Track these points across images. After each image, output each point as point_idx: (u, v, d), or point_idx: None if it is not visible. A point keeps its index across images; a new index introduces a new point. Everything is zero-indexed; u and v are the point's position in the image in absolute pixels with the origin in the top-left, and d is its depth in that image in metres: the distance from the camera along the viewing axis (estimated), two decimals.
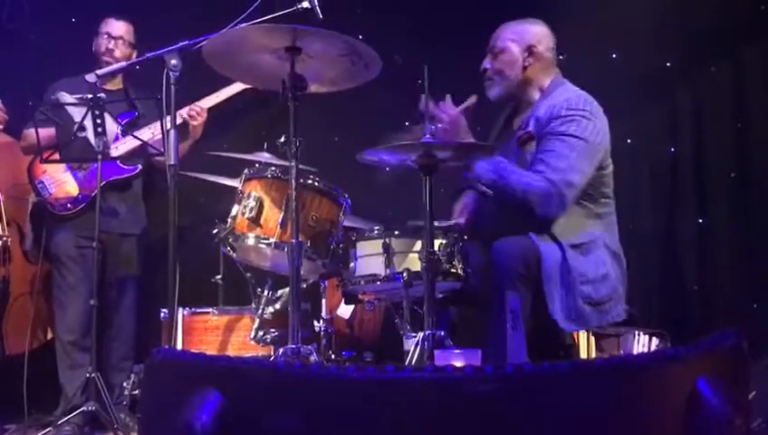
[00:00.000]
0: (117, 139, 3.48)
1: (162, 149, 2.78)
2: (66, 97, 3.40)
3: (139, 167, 3.62)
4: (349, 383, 1.19)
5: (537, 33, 2.90)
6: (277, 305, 3.25)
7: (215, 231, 2.95)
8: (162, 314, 3.37)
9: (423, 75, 2.59)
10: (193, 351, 3.28)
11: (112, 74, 3.60)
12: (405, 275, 2.69)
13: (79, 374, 3.34)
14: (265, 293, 3.25)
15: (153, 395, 1.39)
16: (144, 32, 3.72)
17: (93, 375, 3.00)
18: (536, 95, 2.86)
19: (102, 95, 3.23)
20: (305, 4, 2.80)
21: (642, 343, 3.03)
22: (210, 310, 3.47)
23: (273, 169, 3.00)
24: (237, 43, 2.50)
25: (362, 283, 2.81)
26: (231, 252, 3.03)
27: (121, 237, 3.63)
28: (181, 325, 3.35)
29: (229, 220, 2.93)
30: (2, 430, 3.31)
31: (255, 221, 2.88)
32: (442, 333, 2.45)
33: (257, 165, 3.19)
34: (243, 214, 2.90)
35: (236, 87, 3.67)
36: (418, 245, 2.67)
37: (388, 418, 1.18)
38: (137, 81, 3.77)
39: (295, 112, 2.48)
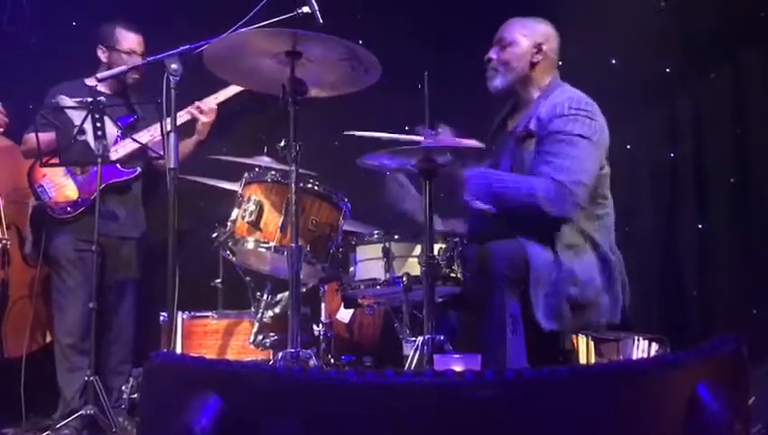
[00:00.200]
0: (116, 142, 3.49)
1: (162, 152, 2.78)
2: (66, 101, 3.40)
3: (139, 169, 3.62)
4: (348, 388, 1.19)
5: (546, 32, 2.91)
6: (277, 309, 3.25)
7: (214, 235, 2.95)
8: (161, 318, 3.37)
9: (423, 81, 2.60)
10: (192, 354, 3.27)
11: (113, 78, 3.59)
12: (404, 279, 2.69)
13: (77, 378, 3.34)
14: (265, 297, 3.25)
15: (152, 399, 1.38)
16: (145, 36, 3.72)
17: (92, 378, 3.00)
18: (535, 94, 2.86)
19: (102, 99, 3.24)
20: (305, 9, 2.81)
21: (642, 349, 3.02)
22: (209, 314, 3.46)
23: (273, 173, 3.00)
24: (238, 47, 2.50)
25: (362, 287, 2.81)
26: (231, 256, 3.03)
27: (121, 241, 3.63)
28: (180, 329, 3.35)
29: (229, 224, 2.93)
30: (0, 433, 3.31)
31: (255, 225, 2.88)
32: (441, 338, 2.44)
33: (257, 169, 3.19)
34: (242, 218, 2.90)
35: (233, 89, 3.67)
36: (418, 249, 2.67)
37: (387, 423, 1.18)
38: (138, 84, 3.76)
39: (295, 117, 2.48)
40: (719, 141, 3.88)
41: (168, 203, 2.60)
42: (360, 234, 2.96)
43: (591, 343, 2.80)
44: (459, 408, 1.17)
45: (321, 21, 2.78)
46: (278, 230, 2.85)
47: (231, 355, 3.39)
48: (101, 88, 3.63)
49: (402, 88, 3.54)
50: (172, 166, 2.60)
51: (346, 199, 3.03)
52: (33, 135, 3.26)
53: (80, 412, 3.02)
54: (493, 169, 2.80)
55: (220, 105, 3.71)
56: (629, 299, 2.83)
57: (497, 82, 2.88)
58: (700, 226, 3.88)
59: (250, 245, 2.89)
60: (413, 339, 2.51)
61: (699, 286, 3.86)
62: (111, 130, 3.25)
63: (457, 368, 2.05)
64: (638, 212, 3.94)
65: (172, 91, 2.63)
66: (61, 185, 3.53)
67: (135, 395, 3.15)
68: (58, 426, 3.14)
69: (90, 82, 3.64)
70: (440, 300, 2.78)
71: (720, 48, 3.86)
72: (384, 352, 3.48)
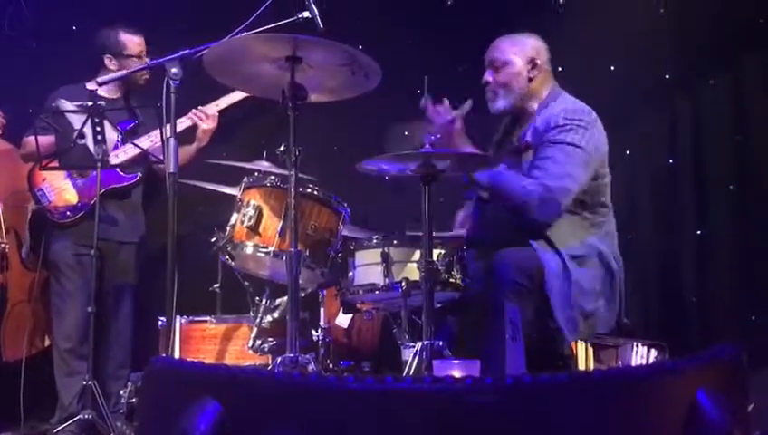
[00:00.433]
0: (117, 146, 3.49)
1: (162, 157, 2.78)
2: (66, 104, 3.41)
3: (139, 175, 3.62)
4: (347, 394, 1.19)
5: (536, 45, 2.92)
6: (275, 314, 3.24)
7: (213, 239, 2.94)
8: (160, 322, 3.36)
9: (423, 86, 2.60)
10: (191, 359, 3.27)
11: (120, 81, 3.59)
12: (403, 284, 2.69)
13: (76, 382, 3.33)
14: (264, 301, 3.24)
15: (151, 403, 1.38)
16: (145, 40, 3.72)
17: (90, 383, 3.00)
18: (535, 106, 2.88)
19: (102, 103, 3.24)
20: (306, 14, 2.81)
21: (641, 355, 3.02)
22: (208, 318, 3.46)
23: (272, 177, 3.00)
24: (238, 52, 2.50)
25: (361, 292, 2.81)
26: (229, 260, 3.03)
27: (120, 245, 3.62)
28: (179, 334, 3.34)
29: (228, 229, 2.93)
30: None
31: (254, 230, 2.88)
32: (440, 343, 2.44)
33: (256, 173, 3.19)
34: (242, 222, 2.90)
35: (237, 95, 3.67)
36: (417, 254, 2.67)
37: (387, 429, 1.17)
38: (139, 89, 3.76)
39: (295, 122, 2.49)
40: (718, 148, 3.88)
41: (168, 208, 2.59)
42: (359, 239, 2.96)
43: (591, 350, 2.80)
44: (459, 414, 1.17)
45: (322, 26, 2.78)
46: (277, 235, 2.85)
47: (229, 360, 3.38)
48: (103, 92, 3.63)
49: (402, 93, 3.55)
50: (171, 170, 2.60)
51: (345, 204, 3.03)
52: (32, 138, 3.26)
53: (78, 417, 3.01)
54: None
55: (221, 111, 3.71)
56: (625, 305, 2.84)
57: (499, 105, 2.90)
58: (699, 232, 3.88)
59: (249, 249, 2.88)
60: (412, 344, 2.51)
61: (698, 292, 3.86)
62: (111, 134, 3.26)
63: (456, 374, 2.04)
64: (638, 218, 3.94)
65: (172, 95, 2.63)
66: (61, 189, 3.53)
67: (133, 400, 3.14)
68: (56, 430, 3.13)
69: (90, 86, 3.64)
70: (439, 305, 2.77)
71: (719, 54, 3.87)
72: (383, 357, 3.47)
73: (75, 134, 3.14)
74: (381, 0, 4.19)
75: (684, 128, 3.95)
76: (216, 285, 3.67)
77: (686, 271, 3.90)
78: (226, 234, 2.91)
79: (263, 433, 1.22)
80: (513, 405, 1.20)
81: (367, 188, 3.47)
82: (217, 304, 3.67)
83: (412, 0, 4.20)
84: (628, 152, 3.91)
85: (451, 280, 2.73)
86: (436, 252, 2.67)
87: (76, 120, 3.18)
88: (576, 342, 2.94)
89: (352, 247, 2.87)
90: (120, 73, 3.43)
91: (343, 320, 3.52)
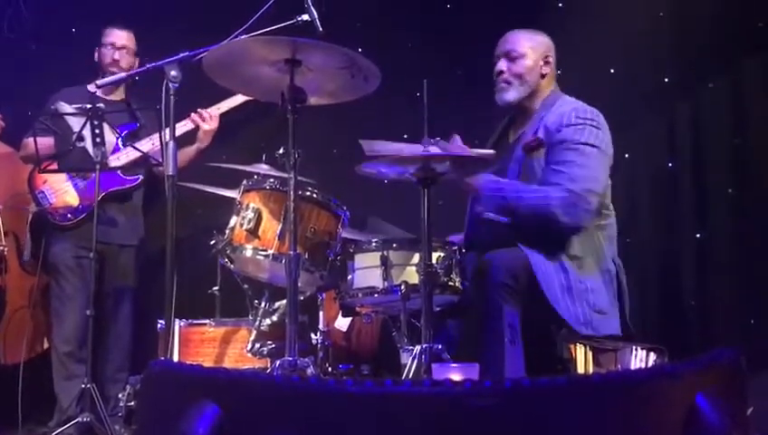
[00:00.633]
0: (117, 149, 3.49)
1: (162, 160, 2.78)
2: (65, 107, 3.41)
3: (140, 178, 3.62)
4: (347, 397, 1.19)
5: (549, 44, 2.94)
6: (274, 317, 3.24)
7: (212, 242, 2.94)
8: (159, 325, 3.36)
9: (422, 89, 2.60)
10: (190, 362, 3.27)
11: (114, 84, 3.60)
12: (403, 287, 2.68)
13: (74, 385, 3.32)
14: (263, 305, 3.24)
15: (150, 407, 1.38)
16: (144, 43, 3.73)
17: (89, 386, 2.99)
18: (537, 105, 2.88)
19: (101, 105, 3.24)
20: (305, 17, 2.81)
21: (640, 358, 3.02)
22: (207, 321, 3.45)
23: (271, 180, 3.00)
24: (237, 54, 2.50)
25: (360, 295, 2.81)
26: (229, 263, 3.03)
27: (120, 248, 3.63)
28: (178, 337, 3.33)
29: (227, 231, 2.92)
30: None
31: (253, 233, 2.87)
32: (439, 347, 2.44)
33: (256, 176, 3.19)
34: (241, 225, 2.90)
35: (239, 99, 3.68)
36: (416, 257, 2.67)
37: (386, 431, 1.17)
38: (140, 91, 3.77)
39: (294, 124, 2.49)
40: (718, 151, 3.88)
41: (167, 210, 2.59)
42: (358, 242, 2.95)
43: (590, 353, 2.79)
44: (458, 417, 1.17)
45: (321, 29, 2.78)
46: (276, 238, 2.85)
47: (228, 363, 3.38)
48: (103, 94, 3.63)
49: (401, 96, 3.55)
50: (170, 173, 2.60)
51: (344, 207, 3.03)
52: (31, 140, 3.26)
53: (76, 420, 3.01)
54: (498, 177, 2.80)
55: (221, 114, 3.71)
56: (628, 308, 2.84)
57: (510, 96, 2.88)
58: (699, 235, 3.88)
59: (248, 252, 2.88)
60: (411, 348, 2.50)
61: (698, 296, 3.86)
62: (110, 136, 3.26)
63: (455, 377, 2.04)
64: (637, 221, 3.94)
65: (171, 97, 2.63)
66: (62, 191, 3.53)
67: (132, 403, 3.14)
68: (54, 434, 3.12)
69: (92, 88, 3.65)
70: (438, 309, 2.77)
71: (719, 58, 3.87)
72: (382, 360, 3.47)
73: (74, 137, 3.14)
74: (381, 3, 4.19)
75: (683, 131, 3.96)
76: (215, 288, 3.67)
77: (685, 274, 3.90)
78: (226, 237, 2.91)
79: None
80: (512, 408, 1.20)
81: (366, 191, 3.46)
82: (216, 307, 3.67)
83: (412, 3, 4.21)
84: (627, 155, 3.90)
85: (450, 283, 2.73)
86: (435, 255, 2.66)
87: (75, 123, 3.18)
88: (575, 344, 2.93)
89: (352, 250, 2.86)
90: (119, 76, 3.45)
91: (342, 323, 3.52)
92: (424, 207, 2.50)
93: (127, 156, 3.51)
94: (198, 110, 3.63)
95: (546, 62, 2.89)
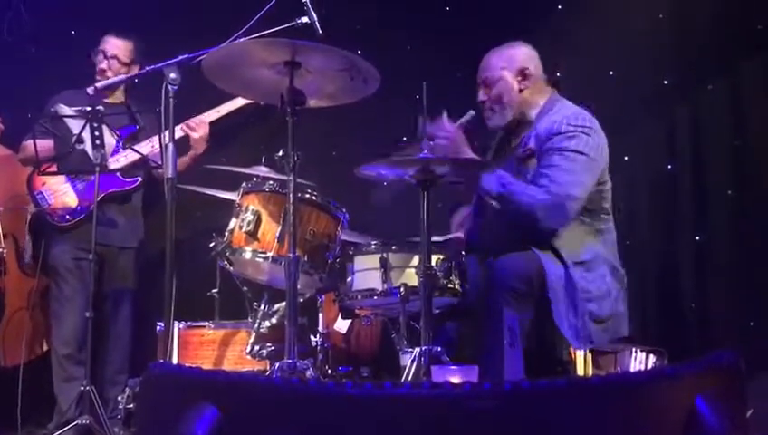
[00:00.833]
0: (116, 151, 3.49)
1: (161, 162, 2.78)
2: (64, 109, 3.41)
3: (140, 179, 3.62)
4: (346, 399, 1.19)
5: (524, 55, 2.92)
6: (274, 320, 3.24)
7: (212, 244, 2.94)
8: (158, 328, 3.35)
9: (421, 91, 2.60)
10: (189, 365, 3.26)
11: (111, 88, 3.61)
12: (402, 289, 2.69)
13: (73, 387, 3.32)
14: (262, 307, 3.24)
15: (149, 409, 1.38)
16: (144, 45, 3.73)
17: (88, 388, 2.99)
18: (533, 114, 2.88)
19: (101, 107, 3.24)
20: (305, 19, 2.82)
21: (640, 361, 3.02)
22: (206, 324, 3.45)
23: (270, 182, 3.00)
24: (237, 57, 2.50)
25: (359, 297, 2.81)
26: (228, 265, 3.03)
27: (119, 250, 3.62)
28: (177, 339, 3.33)
29: (226, 234, 2.92)
30: None
31: (253, 235, 2.87)
32: (439, 349, 2.44)
33: (255, 179, 3.19)
34: (240, 227, 2.90)
35: (239, 102, 3.68)
36: (416, 260, 2.67)
37: (385, 434, 1.17)
38: (139, 94, 3.77)
39: (293, 127, 2.49)
40: (717, 153, 3.88)
41: (166, 213, 2.59)
42: (357, 244, 2.95)
43: (590, 355, 2.80)
44: (457, 419, 1.17)
45: (321, 31, 2.79)
46: (276, 240, 2.85)
47: (228, 365, 3.37)
48: (102, 97, 3.63)
49: (401, 98, 3.55)
50: (170, 175, 2.60)
51: (344, 209, 3.03)
52: (31, 143, 3.26)
53: (75, 422, 3.00)
54: None
55: (221, 117, 3.71)
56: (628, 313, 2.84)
57: (496, 122, 2.91)
58: (698, 237, 3.88)
59: (247, 255, 2.88)
60: (410, 350, 2.51)
61: (697, 298, 3.86)
62: (110, 139, 3.26)
63: (455, 379, 2.04)
64: (636, 223, 3.94)
65: (171, 100, 2.63)
66: (60, 192, 3.53)
67: (131, 405, 3.14)
68: None
69: (91, 90, 3.65)
70: (438, 311, 2.77)
71: (718, 60, 3.87)
72: (381, 362, 3.47)
73: (74, 139, 3.14)
74: (380, 5, 4.19)
75: (683, 133, 3.96)
76: (215, 291, 3.67)
77: (684, 276, 3.90)
78: (225, 239, 2.91)
79: None
80: (511, 411, 1.20)
81: (365, 193, 3.46)
82: (216, 309, 3.66)
83: (411, 5, 4.21)
84: (626, 157, 3.91)
85: (449, 286, 2.73)
86: (434, 257, 2.67)
87: (75, 125, 3.18)
88: (587, 348, 2.94)
89: (351, 253, 2.87)
90: (118, 79, 3.44)
91: (342, 325, 3.52)
92: (423, 210, 2.50)
93: (126, 158, 3.51)
94: (187, 121, 3.64)
95: (524, 77, 2.87)
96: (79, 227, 3.48)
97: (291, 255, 2.45)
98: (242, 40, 2.62)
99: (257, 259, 2.88)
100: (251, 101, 3.57)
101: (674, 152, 3.99)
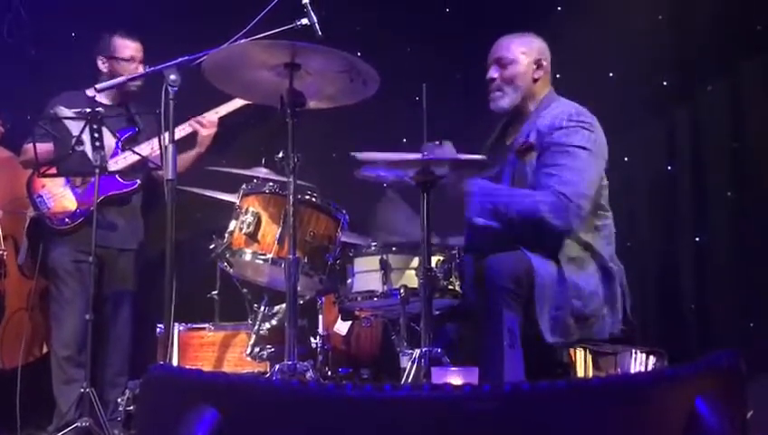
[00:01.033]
0: (116, 153, 3.49)
1: (161, 164, 2.78)
2: (64, 111, 3.41)
3: (139, 182, 3.62)
4: (346, 401, 1.19)
5: (542, 47, 2.93)
6: (274, 321, 3.24)
7: (212, 246, 2.94)
8: (158, 330, 3.35)
9: (421, 93, 2.60)
10: (188, 367, 3.26)
11: (112, 88, 3.60)
12: (402, 291, 2.69)
13: (73, 389, 3.32)
14: (262, 309, 3.24)
15: (149, 411, 1.38)
16: (144, 47, 3.73)
17: (88, 390, 2.99)
18: (532, 107, 2.87)
19: (101, 109, 3.24)
20: (305, 21, 2.82)
21: (640, 361, 3.02)
22: (206, 326, 3.46)
23: (270, 184, 3.00)
24: (237, 58, 2.51)
25: (359, 299, 2.81)
26: (228, 267, 3.03)
27: (119, 252, 3.62)
28: (177, 341, 3.33)
29: (226, 235, 2.92)
30: None
31: (253, 237, 2.87)
32: (439, 351, 2.44)
33: (255, 180, 3.19)
34: (240, 229, 2.90)
35: (237, 102, 3.68)
36: (415, 261, 2.67)
37: None
38: (137, 95, 3.76)
39: (293, 128, 2.49)
40: (717, 154, 3.88)
41: (166, 214, 2.59)
42: (357, 246, 2.95)
43: (590, 356, 2.79)
44: (457, 422, 1.17)
45: (320, 33, 2.79)
46: (275, 242, 2.85)
47: (227, 367, 3.37)
48: (102, 99, 3.63)
49: (400, 100, 3.55)
50: (170, 177, 2.60)
51: (344, 211, 3.03)
52: (31, 145, 3.26)
53: (75, 425, 3.00)
54: (493, 181, 2.80)
55: (220, 118, 3.71)
56: (631, 306, 2.83)
57: (503, 102, 2.88)
58: (698, 238, 3.88)
59: (247, 256, 2.88)
60: (410, 351, 2.50)
61: (697, 299, 3.86)
62: (110, 141, 3.26)
63: (455, 381, 2.04)
64: (636, 224, 3.94)
65: (171, 101, 2.63)
66: (60, 196, 3.53)
67: (131, 407, 3.13)
68: None
69: (90, 92, 3.65)
70: (438, 312, 2.77)
71: (717, 61, 3.87)
72: (382, 364, 3.47)
73: (73, 141, 3.14)
74: (380, 7, 4.20)
75: (682, 134, 3.96)
76: (215, 292, 3.67)
77: (684, 277, 3.90)
78: (225, 241, 2.91)
79: None
80: (511, 413, 1.20)
81: (366, 194, 3.46)
82: (216, 311, 3.66)
83: (410, 7, 4.21)
84: (626, 158, 3.91)
85: (449, 287, 2.73)
86: (434, 259, 2.67)
87: (74, 127, 3.18)
88: (575, 348, 2.93)
89: (351, 254, 2.87)
90: (117, 80, 3.44)
91: (342, 327, 3.52)
92: (423, 211, 2.50)
93: (125, 160, 3.51)
94: (197, 117, 3.63)
95: (539, 66, 2.88)
96: (78, 230, 3.48)
97: (291, 256, 2.45)
98: (242, 42, 2.62)
99: (257, 261, 2.88)
100: (249, 102, 3.57)
101: (673, 153, 3.99)
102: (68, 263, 3.51)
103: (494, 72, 2.88)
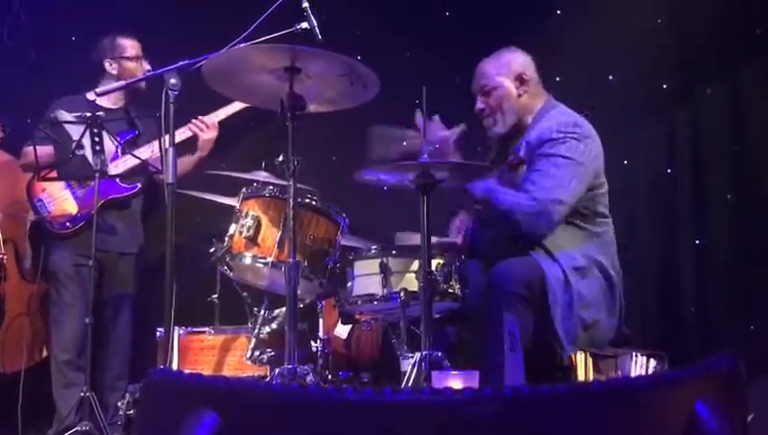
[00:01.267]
0: (116, 157, 3.49)
1: (161, 167, 2.79)
2: (64, 115, 3.41)
3: (139, 185, 3.62)
4: (346, 405, 1.19)
5: (520, 60, 2.92)
6: (274, 325, 3.24)
7: (212, 250, 2.94)
8: (158, 333, 3.35)
9: (421, 96, 2.61)
10: (188, 370, 3.26)
11: (114, 91, 3.60)
12: (402, 294, 2.68)
13: (73, 393, 3.32)
14: (262, 312, 3.24)
15: (149, 415, 1.38)
16: (144, 51, 3.73)
17: (88, 394, 2.98)
18: (528, 120, 2.89)
19: (101, 113, 3.24)
20: (305, 25, 2.82)
21: (640, 364, 3.02)
22: (206, 329, 3.46)
23: (270, 188, 3.00)
24: (237, 62, 2.51)
25: (359, 302, 2.81)
26: (228, 271, 3.03)
27: (119, 256, 3.62)
28: (177, 344, 3.33)
29: (226, 239, 2.92)
30: None
31: (253, 240, 2.87)
32: (439, 354, 2.44)
33: (255, 184, 3.19)
34: (240, 233, 2.90)
35: (237, 105, 3.68)
36: (416, 264, 2.67)
37: None
38: (139, 99, 3.77)
39: (293, 132, 2.49)
40: (717, 157, 3.89)
41: (166, 218, 2.59)
42: (357, 249, 2.95)
43: (590, 360, 2.79)
44: (458, 426, 1.17)
45: (320, 36, 2.79)
46: (275, 245, 2.85)
47: (228, 371, 3.37)
48: (103, 102, 3.64)
49: (400, 103, 3.55)
50: (170, 181, 2.60)
51: (344, 214, 3.03)
52: (31, 149, 3.26)
53: (75, 429, 3.00)
54: None
55: (220, 121, 3.71)
56: (625, 314, 2.84)
57: (499, 128, 2.91)
58: (698, 241, 3.88)
59: (247, 260, 2.88)
60: (411, 355, 2.50)
61: (697, 301, 3.86)
62: (110, 144, 3.26)
63: (455, 384, 2.04)
64: (636, 227, 3.94)
65: (171, 105, 2.63)
66: (60, 199, 3.53)
67: (131, 411, 3.13)
68: None
69: (90, 96, 3.65)
70: (438, 316, 2.77)
71: (717, 64, 3.88)
72: (382, 368, 3.46)
73: (74, 145, 3.14)
74: (379, 11, 4.20)
75: (682, 137, 3.96)
76: (215, 296, 3.67)
77: (684, 280, 3.90)
78: (225, 244, 2.91)
79: None
80: (512, 416, 1.20)
81: (366, 197, 3.47)
82: (216, 314, 3.66)
83: (410, 11, 4.22)
84: (626, 161, 3.91)
85: (450, 290, 2.73)
86: (434, 262, 2.67)
87: (75, 131, 3.18)
88: (575, 353, 2.94)
89: (351, 258, 2.86)
90: (117, 84, 3.44)
91: (342, 331, 3.52)
92: (423, 214, 2.51)
93: (125, 164, 3.51)
94: (198, 117, 3.63)
95: (522, 82, 2.88)
96: (79, 234, 3.48)
97: (291, 260, 2.45)
98: (242, 45, 2.62)
99: (257, 264, 2.88)
100: (248, 105, 3.57)
101: (673, 156, 3.99)
102: (68, 266, 3.51)
103: (480, 104, 2.92)
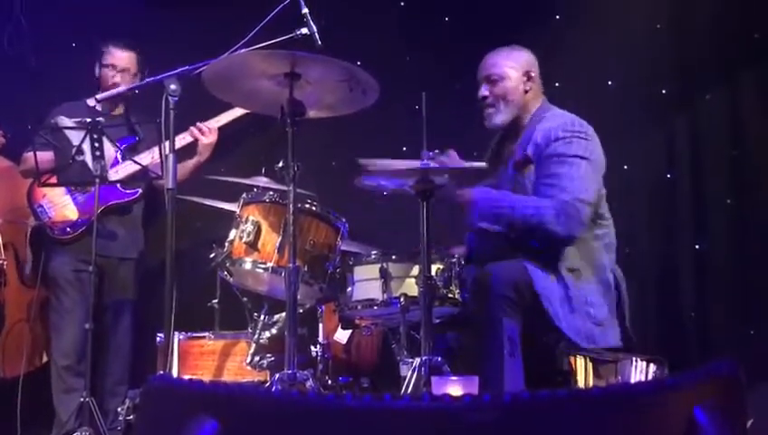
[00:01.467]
0: (116, 163, 3.50)
1: (161, 173, 2.79)
2: (65, 121, 3.42)
3: (140, 191, 3.62)
4: (346, 412, 1.19)
5: (530, 59, 2.93)
6: (274, 330, 3.23)
7: (212, 255, 2.94)
8: (158, 339, 3.35)
9: (421, 101, 2.61)
10: (188, 376, 3.26)
11: (113, 99, 3.61)
12: (402, 300, 2.69)
13: (73, 399, 3.31)
14: (262, 317, 3.24)
15: (149, 421, 1.38)
16: (144, 57, 3.74)
17: (87, 400, 2.98)
18: (526, 120, 2.88)
19: (101, 119, 3.25)
20: (304, 31, 2.83)
21: (640, 369, 3.02)
22: (206, 334, 3.45)
23: (270, 193, 3.00)
24: (237, 68, 2.51)
25: (359, 308, 2.81)
26: (228, 276, 3.03)
27: (119, 261, 3.62)
28: (177, 350, 3.33)
29: (226, 244, 2.93)
30: None
31: (253, 246, 2.87)
32: (439, 359, 2.44)
33: (255, 189, 3.20)
34: (240, 238, 2.90)
35: (237, 111, 3.69)
36: (416, 270, 2.67)
37: None
38: (138, 104, 3.77)
39: (293, 137, 2.49)
40: (716, 162, 3.89)
41: (166, 223, 2.60)
42: (357, 254, 2.96)
43: (590, 364, 2.79)
44: (457, 432, 1.17)
45: (320, 42, 2.80)
46: (275, 251, 2.85)
47: (227, 376, 3.37)
48: (101, 108, 3.64)
49: (400, 109, 3.56)
50: (170, 186, 2.60)
51: (344, 220, 3.03)
52: (31, 154, 3.26)
53: (75, 434, 3.00)
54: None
55: (220, 127, 3.72)
56: (629, 319, 2.84)
57: (497, 119, 2.89)
58: (698, 246, 3.88)
59: (247, 265, 2.88)
60: (410, 360, 2.50)
61: (697, 306, 3.86)
62: (110, 150, 3.26)
63: (455, 390, 2.04)
64: (636, 232, 3.94)
65: (171, 111, 2.64)
66: (61, 205, 3.53)
67: (131, 417, 3.13)
68: None
69: (91, 102, 3.66)
70: (438, 321, 2.77)
71: (716, 70, 3.89)
72: (382, 373, 3.46)
73: (74, 151, 3.15)
74: (379, 17, 4.21)
75: (681, 142, 3.97)
76: (215, 301, 3.66)
77: (684, 285, 3.90)
78: (225, 250, 2.91)
79: None
80: (511, 422, 1.20)
81: (365, 203, 3.47)
82: (216, 319, 3.66)
83: (410, 16, 4.23)
84: (626, 166, 3.91)
85: (449, 295, 2.73)
86: (434, 267, 2.67)
87: (75, 137, 3.19)
88: (575, 356, 2.93)
89: (351, 263, 2.87)
90: (117, 90, 3.45)
91: (342, 336, 3.51)
92: (423, 220, 2.51)
93: (126, 169, 3.51)
94: (198, 124, 3.64)
95: (528, 78, 2.88)
96: (80, 240, 3.49)
97: (291, 265, 2.45)
98: (242, 51, 2.63)
99: (257, 270, 2.88)
100: (248, 111, 3.57)
101: (673, 161, 4.00)
102: (68, 272, 3.51)
103: (484, 90, 2.90)
